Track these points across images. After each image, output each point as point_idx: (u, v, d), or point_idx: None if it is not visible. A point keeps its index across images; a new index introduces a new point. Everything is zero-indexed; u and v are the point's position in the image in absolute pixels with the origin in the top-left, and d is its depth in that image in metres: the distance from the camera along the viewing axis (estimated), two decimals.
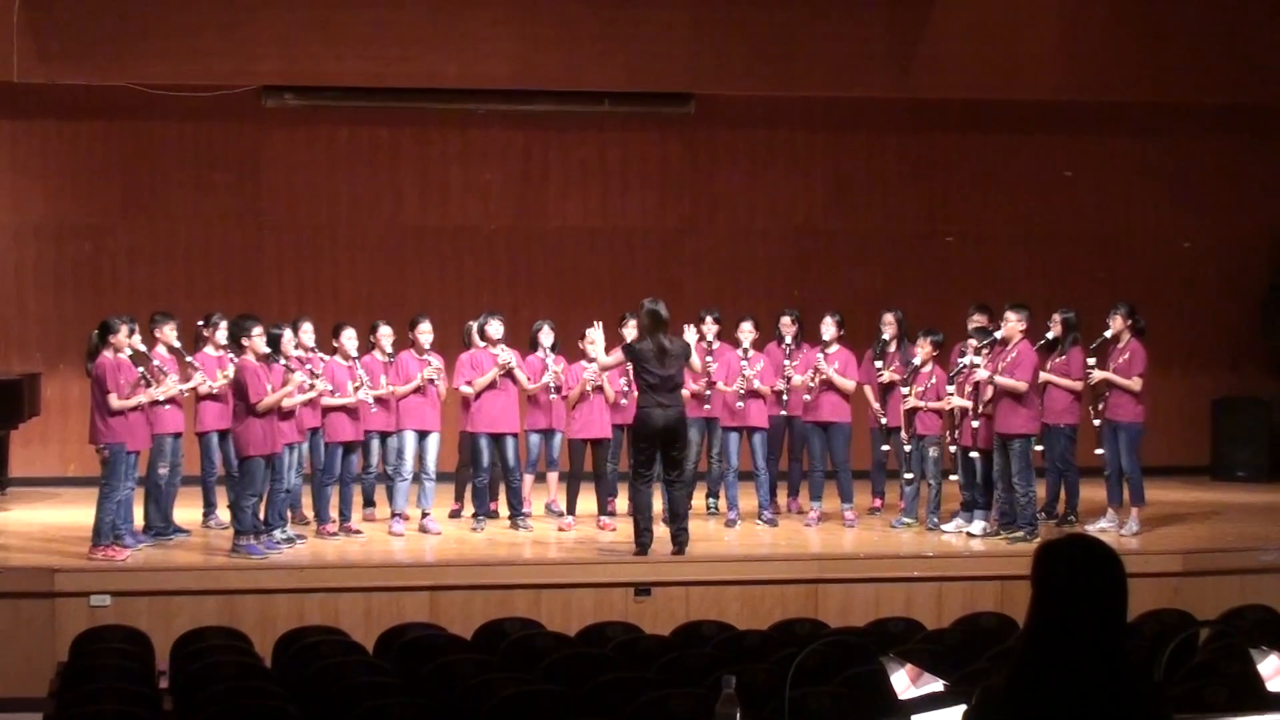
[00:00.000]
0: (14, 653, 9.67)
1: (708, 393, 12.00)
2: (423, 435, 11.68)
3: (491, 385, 11.64)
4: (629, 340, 11.28)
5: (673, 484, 10.62)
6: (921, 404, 11.59)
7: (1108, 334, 11.62)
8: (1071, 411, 11.82)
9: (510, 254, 15.47)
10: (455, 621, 9.24)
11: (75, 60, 13.82)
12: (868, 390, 12.18)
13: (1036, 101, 15.46)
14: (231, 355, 10.99)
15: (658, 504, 11.00)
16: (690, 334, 11.81)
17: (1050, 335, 11.77)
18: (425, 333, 11.73)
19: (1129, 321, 11.59)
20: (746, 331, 12.05)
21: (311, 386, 11.00)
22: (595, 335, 11.22)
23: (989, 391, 11.16)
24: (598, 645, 7.74)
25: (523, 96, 14.97)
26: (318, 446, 11.52)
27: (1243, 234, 16.17)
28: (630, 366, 11.03)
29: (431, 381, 11.65)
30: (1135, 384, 11.50)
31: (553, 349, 11.88)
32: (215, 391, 11.30)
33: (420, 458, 11.70)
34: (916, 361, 11.69)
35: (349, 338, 11.58)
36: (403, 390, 11.61)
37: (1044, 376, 11.64)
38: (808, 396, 11.96)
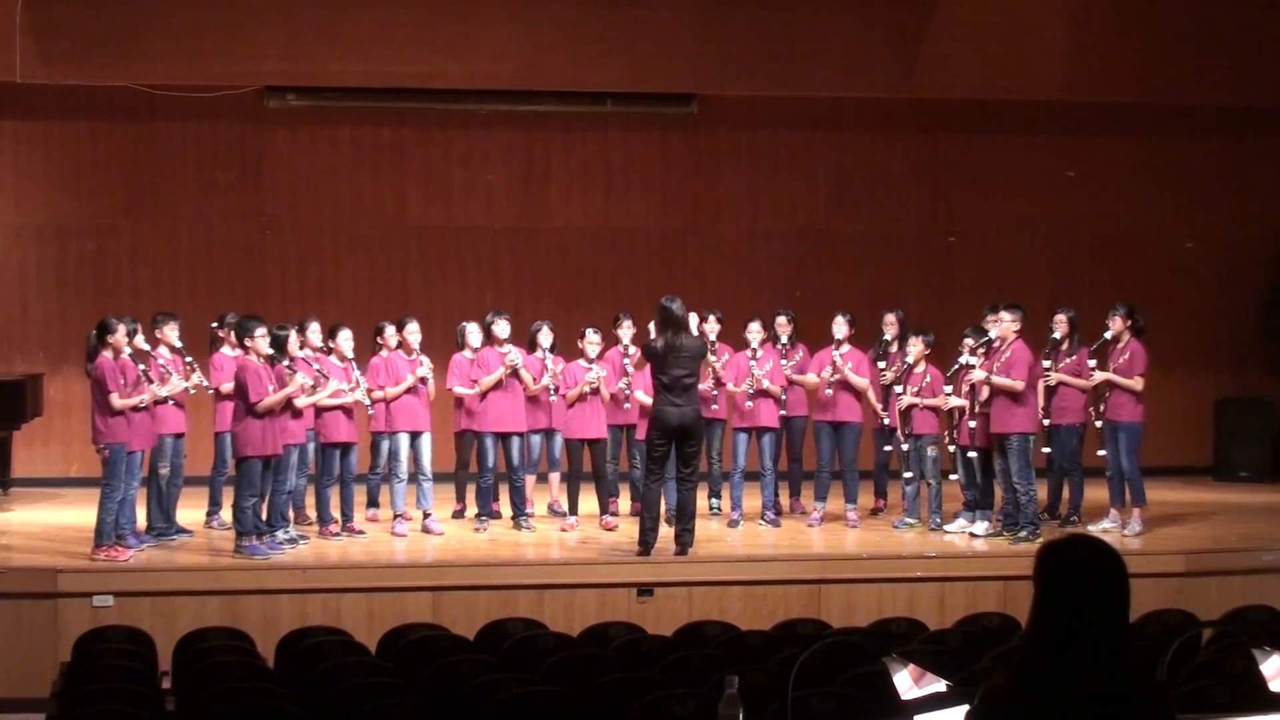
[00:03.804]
0: (16, 653, 9.67)
1: (715, 393, 12.00)
2: (415, 436, 11.68)
3: (498, 385, 11.65)
4: (636, 338, 11.34)
5: (684, 482, 10.62)
6: (918, 402, 11.61)
7: (1108, 335, 11.62)
8: (1080, 411, 11.83)
9: (513, 254, 15.48)
10: (458, 622, 9.24)
11: (78, 61, 13.83)
12: (870, 391, 12.17)
13: (1039, 102, 15.46)
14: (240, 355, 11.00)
15: (662, 503, 11.00)
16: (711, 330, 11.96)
17: (1056, 335, 11.78)
18: (414, 333, 11.75)
19: (1129, 322, 11.59)
20: (755, 332, 12.05)
21: (315, 387, 11.00)
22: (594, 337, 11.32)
23: (985, 391, 11.17)
24: (600, 646, 7.74)
25: (525, 97, 14.98)
26: (314, 447, 11.52)
27: (1245, 234, 16.17)
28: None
29: (424, 381, 11.66)
30: (1137, 384, 11.50)
31: (552, 349, 11.89)
32: (230, 391, 11.28)
33: (415, 458, 11.70)
34: (909, 360, 11.71)
35: (345, 338, 11.59)
36: (394, 391, 11.61)
37: (1056, 377, 11.66)
38: (829, 391, 11.95)
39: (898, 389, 11.71)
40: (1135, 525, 11.55)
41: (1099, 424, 11.72)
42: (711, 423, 12.18)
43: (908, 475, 11.77)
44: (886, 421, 12.13)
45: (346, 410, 11.47)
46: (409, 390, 11.63)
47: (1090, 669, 3.36)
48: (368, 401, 11.49)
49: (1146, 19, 15.05)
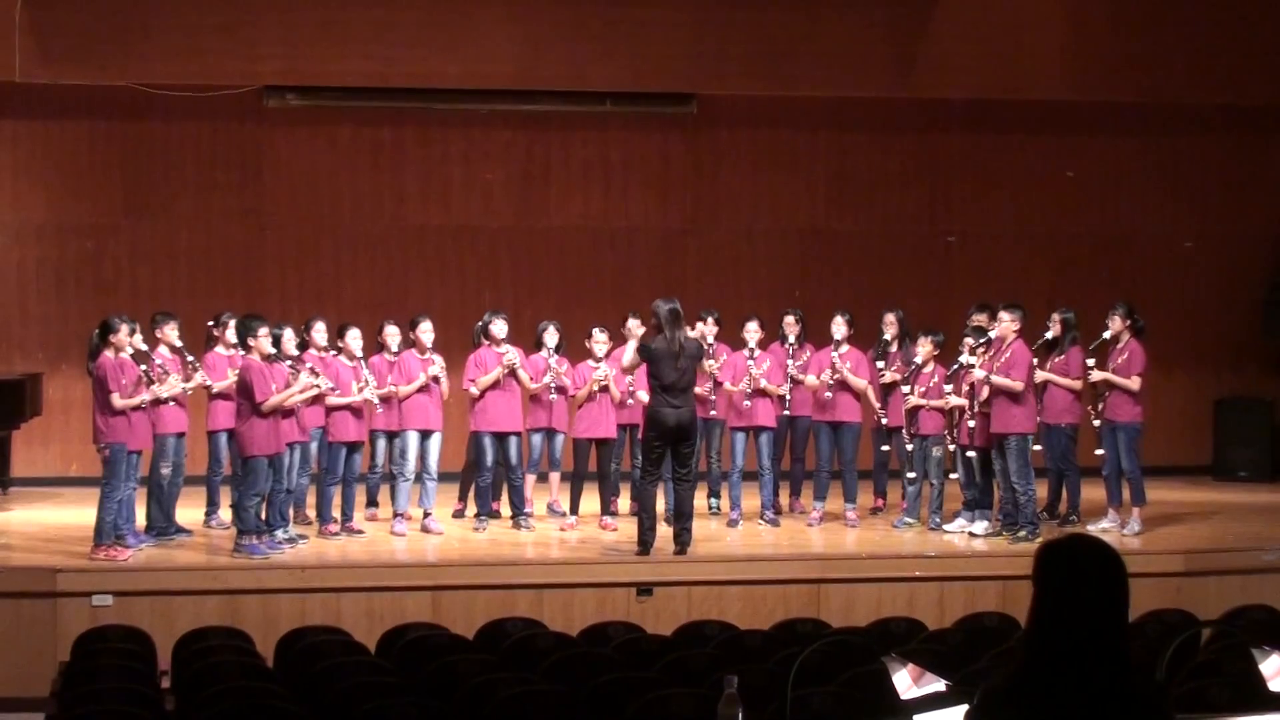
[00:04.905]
0: (16, 652, 9.67)
1: (712, 397, 11.99)
2: (425, 435, 11.67)
3: (495, 384, 11.64)
4: (640, 339, 11.26)
5: (680, 482, 10.62)
6: (924, 403, 11.61)
7: (1107, 334, 11.63)
8: (1071, 411, 11.84)
9: (512, 254, 15.47)
10: (457, 621, 9.24)
11: (77, 60, 13.83)
12: (869, 390, 12.17)
13: (1038, 101, 15.47)
14: (242, 354, 11.00)
15: (660, 503, 11.01)
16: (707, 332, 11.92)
17: (1050, 335, 11.78)
18: (426, 332, 11.74)
19: (1128, 321, 11.59)
20: (752, 331, 12.05)
21: (315, 387, 11.00)
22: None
23: (985, 391, 11.17)
24: (600, 645, 7.75)
25: (525, 96, 14.98)
26: (321, 446, 11.54)
27: (1244, 234, 16.17)
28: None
29: (436, 380, 11.66)
30: (1134, 384, 11.50)
31: (557, 349, 11.88)
32: (226, 391, 11.29)
33: (422, 458, 11.69)
34: (918, 360, 11.71)
35: (354, 338, 11.60)
36: (406, 390, 11.61)
37: (1043, 376, 11.65)
38: (829, 394, 11.94)
39: (905, 389, 11.71)
40: (1135, 525, 11.55)
41: (1096, 423, 11.74)
42: (710, 423, 12.18)
43: (911, 475, 11.77)
44: (884, 421, 12.13)
45: (355, 409, 11.48)
46: (421, 389, 11.62)
47: (1089, 669, 3.37)
48: (375, 400, 11.49)
49: (1146, 18, 15.05)
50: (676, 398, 10.47)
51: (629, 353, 10.88)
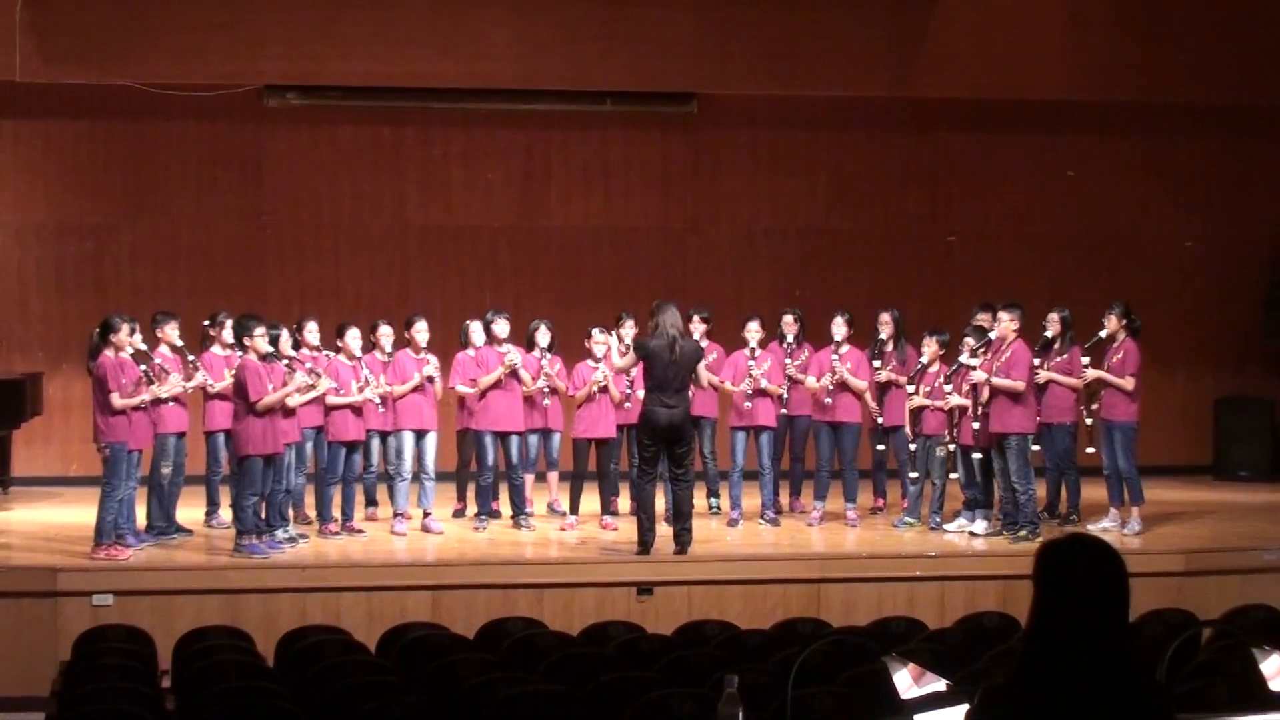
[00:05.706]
0: (16, 652, 9.68)
1: (690, 393, 11.96)
2: (420, 435, 11.67)
3: (497, 384, 11.64)
4: (637, 338, 11.25)
5: (678, 482, 10.62)
6: (928, 403, 11.60)
7: (1103, 334, 11.65)
8: (1072, 410, 11.85)
9: (513, 253, 15.47)
10: (457, 621, 9.25)
11: (78, 60, 13.83)
12: (866, 391, 12.15)
13: (1039, 101, 15.46)
14: (239, 354, 11.01)
15: (660, 503, 11.01)
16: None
17: (1048, 334, 11.78)
18: (421, 332, 11.74)
19: (1124, 321, 11.60)
20: (753, 331, 12.04)
21: (312, 387, 11.00)
22: (610, 341, 11.24)
23: (986, 392, 11.17)
24: (600, 645, 7.74)
25: (525, 96, 14.98)
26: (321, 445, 11.55)
27: (1245, 233, 16.17)
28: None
29: (431, 380, 11.65)
30: (1128, 383, 11.51)
31: (549, 349, 11.87)
32: (222, 390, 11.30)
33: (419, 457, 11.69)
34: (924, 360, 11.71)
35: (353, 337, 11.59)
36: (401, 390, 11.61)
37: (1045, 375, 11.65)
38: (828, 400, 11.92)
39: (910, 388, 11.71)
40: (1135, 524, 11.55)
41: (1089, 421, 11.75)
42: (700, 421, 12.12)
43: (913, 475, 11.77)
44: (880, 421, 12.13)
45: (355, 409, 11.48)
46: (415, 389, 11.62)
47: (1090, 668, 3.37)
48: (377, 399, 11.49)
49: (1146, 19, 15.05)
50: (671, 398, 10.46)
51: (615, 353, 10.93)
